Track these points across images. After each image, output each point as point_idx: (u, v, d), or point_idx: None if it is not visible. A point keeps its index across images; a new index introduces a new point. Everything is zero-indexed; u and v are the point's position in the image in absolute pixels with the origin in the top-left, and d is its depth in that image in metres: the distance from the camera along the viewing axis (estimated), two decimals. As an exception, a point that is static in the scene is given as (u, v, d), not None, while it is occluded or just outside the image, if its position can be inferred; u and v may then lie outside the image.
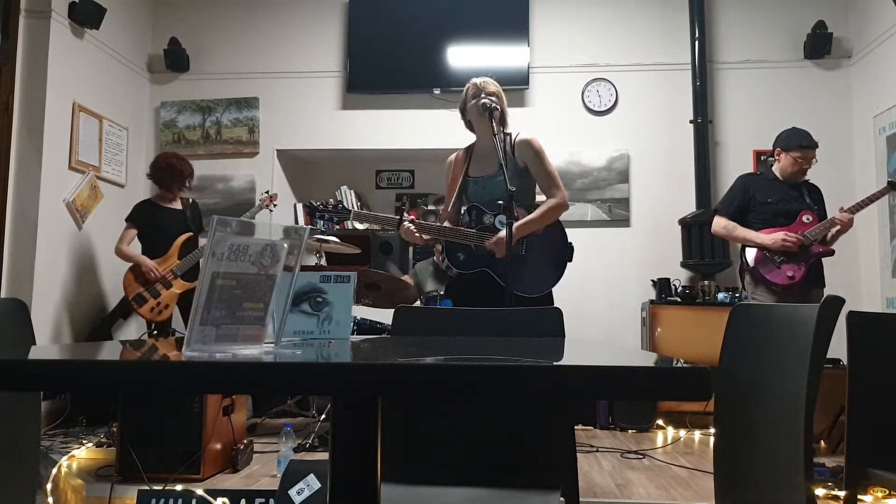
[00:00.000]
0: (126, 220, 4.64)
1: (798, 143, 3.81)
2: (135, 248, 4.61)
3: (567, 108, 5.47)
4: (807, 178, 3.90)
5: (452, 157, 3.24)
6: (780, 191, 3.84)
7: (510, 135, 3.10)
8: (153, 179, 4.71)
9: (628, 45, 5.49)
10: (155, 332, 4.42)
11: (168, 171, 4.60)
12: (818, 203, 3.86)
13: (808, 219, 3.75)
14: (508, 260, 2.69)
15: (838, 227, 3.69)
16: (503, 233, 2.84)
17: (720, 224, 3.92)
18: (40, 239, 4.46)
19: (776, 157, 3.89)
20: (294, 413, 4.51)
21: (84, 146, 4.86)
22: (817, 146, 3.85)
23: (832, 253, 3.75)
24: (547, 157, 3.08)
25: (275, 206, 4.92)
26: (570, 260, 3.07)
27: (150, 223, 4.59)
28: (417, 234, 3.01)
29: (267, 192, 4.95)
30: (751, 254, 3.78)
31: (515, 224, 2.80)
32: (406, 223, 3.01)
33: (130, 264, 4.49)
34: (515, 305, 2.67)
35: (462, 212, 3.12)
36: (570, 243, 3.08)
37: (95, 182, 4.97)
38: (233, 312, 1.05)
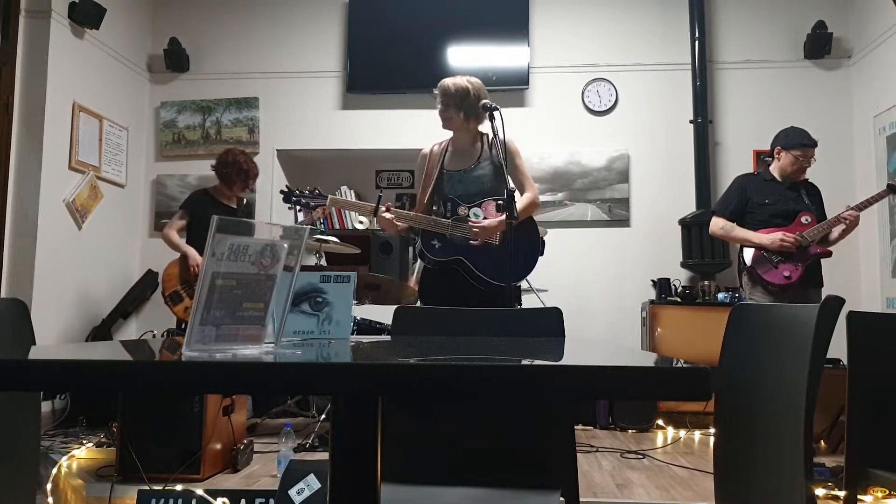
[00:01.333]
0: (180, 206, 4.52)
1: (799, 141, 3.80)
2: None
3: (567, 108, 5.47)
4: (806, 177, 3.90)
5: (427, 150, 3.26)
6: (778, 192, 3.83)
7: (486, 135, 3.18)
8: (217, 173, 4.48)
9: (628, 45, 5.49)
10: (160, 334, 4.39)
11: (234, 167, 4.40)
12: (817, 203, 3.85)
13: (806, 220, 3.74)
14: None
15: (844, 227, 3.68)
16: (486, 221, 3.01)
17: (718, 224, 3.91)
18: (40, 239, 4.46)
19: (776, 156, 3.88)
20: (294, 413, 4.51)
21: (84, 146, 4.86)
22: (816, 145, 3.85)
23: (830, 254, 3.75)
24: (522, 157, 3.25)
25: (321, 219, 4.93)
26: (542, 254, 3.19)
27: (201, 216, 4.35)
28: (394, 221, 3.03)
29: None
30: (749, 253, 3.77)
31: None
32: (382, 211, 3.02)
33: (177, 256, 4.38)
34: (486, 292, 2.93)
35: (437, 203, 3.15)
36: (542, 238, 3.22)
37: (95, 182, 4.97)
38: (233, 312, 1.04)
